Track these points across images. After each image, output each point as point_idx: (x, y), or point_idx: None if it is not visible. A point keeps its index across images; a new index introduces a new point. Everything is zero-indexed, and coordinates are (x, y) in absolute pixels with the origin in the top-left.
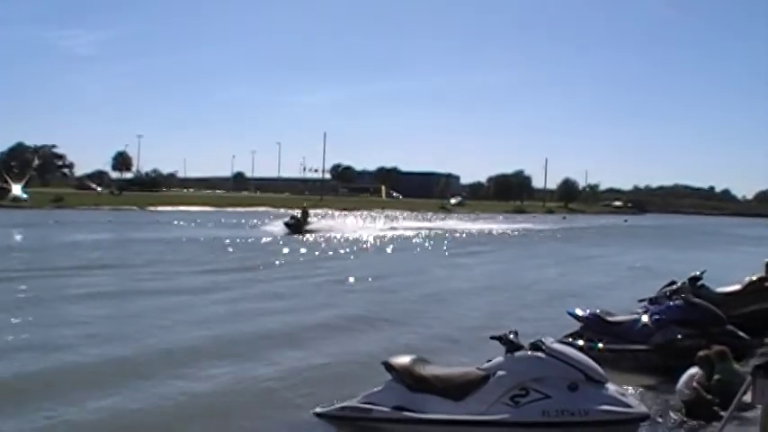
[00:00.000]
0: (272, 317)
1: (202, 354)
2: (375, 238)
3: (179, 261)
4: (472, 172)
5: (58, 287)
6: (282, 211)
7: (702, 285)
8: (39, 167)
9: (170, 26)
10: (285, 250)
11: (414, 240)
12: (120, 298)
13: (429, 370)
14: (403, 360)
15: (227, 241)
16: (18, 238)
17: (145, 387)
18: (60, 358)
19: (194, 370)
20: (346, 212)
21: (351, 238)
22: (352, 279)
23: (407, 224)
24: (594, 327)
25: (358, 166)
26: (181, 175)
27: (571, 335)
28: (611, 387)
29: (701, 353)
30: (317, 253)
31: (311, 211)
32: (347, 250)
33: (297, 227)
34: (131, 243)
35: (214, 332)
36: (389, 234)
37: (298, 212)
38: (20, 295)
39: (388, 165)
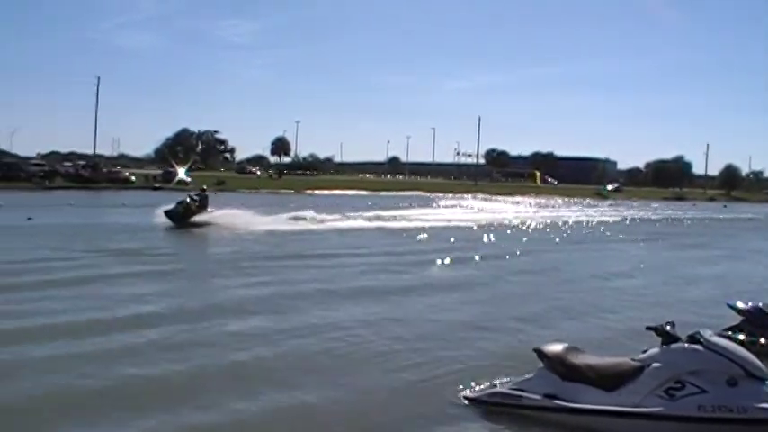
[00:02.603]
0: None
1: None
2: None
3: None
4: (629, 157)
5: None
6: (428, 195)
7: None
8: (202, 152)
9: (325, 13)
10: None
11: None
12: None
13: (582, 359)
14: (555, 348)
15: None
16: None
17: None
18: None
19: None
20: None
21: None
22: None
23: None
24: (756, 320)
25: (513, 151)
26: (337, 159)
27: (731, 328)
28: None
29: None
30: None
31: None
32: None
33: (184, 216)
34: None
35: None
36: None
37: (189, 198)
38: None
39: (544, 150)
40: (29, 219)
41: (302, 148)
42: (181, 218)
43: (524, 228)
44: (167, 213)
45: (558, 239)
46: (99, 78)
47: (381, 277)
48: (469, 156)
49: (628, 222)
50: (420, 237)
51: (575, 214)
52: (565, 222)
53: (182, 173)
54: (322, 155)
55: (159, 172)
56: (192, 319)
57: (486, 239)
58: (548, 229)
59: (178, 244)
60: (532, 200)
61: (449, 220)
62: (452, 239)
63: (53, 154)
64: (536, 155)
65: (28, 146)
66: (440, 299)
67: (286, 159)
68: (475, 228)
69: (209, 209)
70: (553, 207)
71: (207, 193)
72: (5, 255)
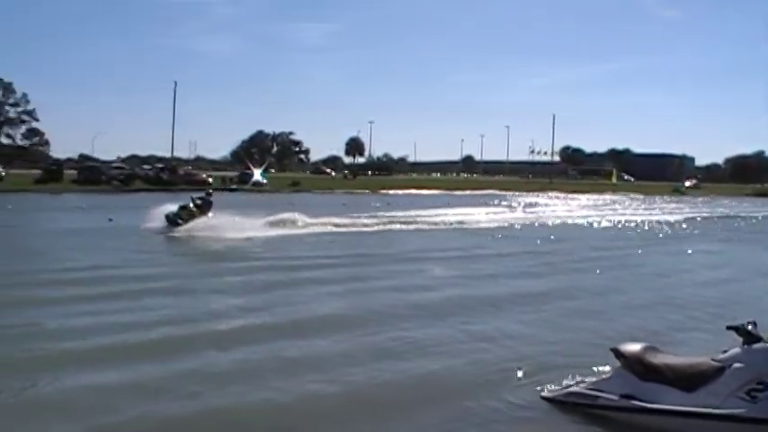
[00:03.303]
0: None
1: None
2: None
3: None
4: (708, 153)
5: None
6: (503, 193)
7: None
8: (277, 153)
9: (396, 13)
10: None
11: None
12: None
13: (660, 358)
14: (633, 347)
15: None
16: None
17: None
18: None
19: None
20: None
21: None
22: None
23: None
24: None
25: (588, 148)
26: (411, 159)
27: None
28: None
29: None
30: None
31: None
32: None
33: (185, 221)
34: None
35: None
36: None
37: (192, 202)
38: None
39: (620, 146)
40: (110, 220)
41: (376, 148)
42: (181, 222)
43: (607, 226)
44: (168, 217)
45: (645, 238)
46: (176, 83)
47: (467, 282)
48: (544, 153)
49: (715, 220)
50: (502, 236)
51: (655, 212)
52: (649, 221)
53: (257, 174)
54: (396, 155)
55: (236, 174)
56: (296, 333)
57: (570, 239)
58: (631, 228)
59: (263, 247)
60: (610, 197)
61: (528, 219)
62: (537, 239)
63: (133, 158)
64: (611, 151)
65: (109, 150)
66: (533, 308)
67: (360, 160)
68: (556, 226)
69: (209, 214)
70: (632, 204)
71: (212, 198)
72: (94, 258)
